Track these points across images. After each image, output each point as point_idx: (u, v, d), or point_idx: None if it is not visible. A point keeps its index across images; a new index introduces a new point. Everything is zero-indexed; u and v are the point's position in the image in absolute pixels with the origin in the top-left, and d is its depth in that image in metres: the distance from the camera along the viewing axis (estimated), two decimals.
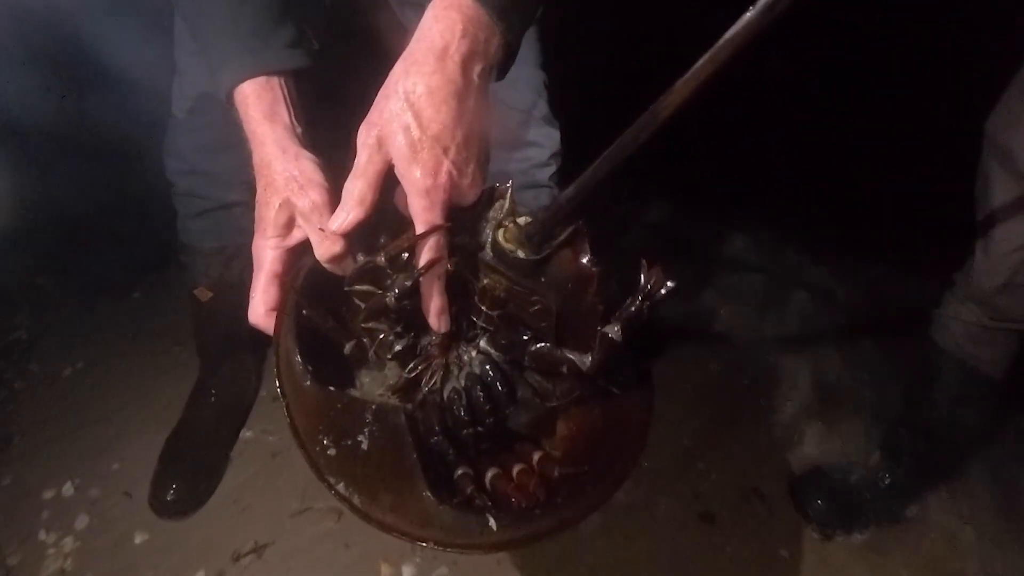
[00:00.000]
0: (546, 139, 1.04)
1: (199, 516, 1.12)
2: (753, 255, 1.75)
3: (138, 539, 1.08)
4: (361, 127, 0.50)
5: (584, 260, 0.49)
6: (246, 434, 1.24)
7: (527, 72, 0.97)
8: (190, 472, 1.14)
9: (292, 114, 0.60)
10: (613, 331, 0.47)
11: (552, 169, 1.07)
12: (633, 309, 0.46)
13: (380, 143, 0.48)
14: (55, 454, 1.20)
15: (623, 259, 0.54)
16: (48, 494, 1.14)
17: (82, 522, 1.10)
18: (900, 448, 1.12)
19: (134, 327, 1.46)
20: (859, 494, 1.11)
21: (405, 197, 0.50)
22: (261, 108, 0.58)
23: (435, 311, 0.51)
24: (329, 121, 0.64)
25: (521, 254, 0.50)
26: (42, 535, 1.08)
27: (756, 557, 1.08)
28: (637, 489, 1.16)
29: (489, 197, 0.52)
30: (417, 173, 0.47)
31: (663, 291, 0.46)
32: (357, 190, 0.50)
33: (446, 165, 0.48)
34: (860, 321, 1.53)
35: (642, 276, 0.46)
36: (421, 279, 0.49)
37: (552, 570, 1.04)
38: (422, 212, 0.48)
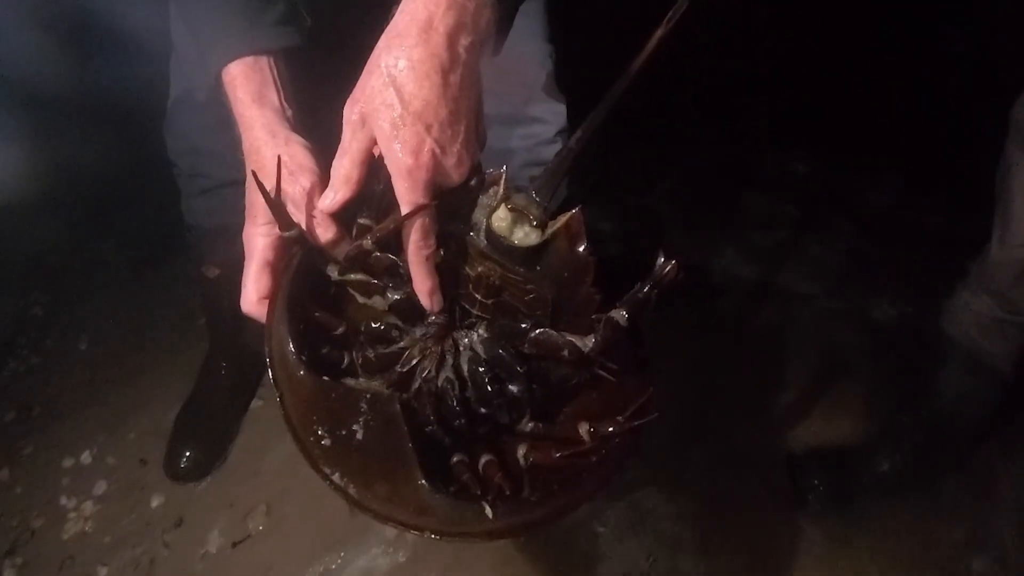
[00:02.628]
0: (552, 115, 0.96)
1: (212, 481, 1.11)
2: (759, 236, 1.66)
3: (154, 502, 1.07)
4: (346, 104, 0.46)
5: (580, 249, 0.45)
6: (257, 404, 1.22)
7: (533, 46, 0.89)
8: (202, 440, 1.13)
9: (282, 96, 0.55)
10: (619, 315, 0.43)
11: (558, 146, 1.00)
12: (641, 296, 0.43)
13: (363, 120, 0.44)
14: (73, 425, 1.18)
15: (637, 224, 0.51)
16: (67, 462, 1.12)
17: (100, 488, 1.09)
18: (900, 436, 1.07)
19: (147, 301, 1.43)
20: (856, 478, 1.07)
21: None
22: (249, 90, 0.53)
23: (426, 291, 0.47)
24: (322, 102, 0.59)
25: (515, 240, 0.46)
26: (63, 500, 1.07)
27: (750, 534, 1.05)
28: (633, 469, 1.12)
29: (481, 182, 0.48)
30: (399, 152, 0.43)
31: (673, 280, 0.43)
32: (343, 169, 0.46)
33: (428, 144, 0.43)
34: (870, 306, 1.45)
35: (658, 263, 0.43)
36: (410, 261, 0.46)
37: (543, 552, 1.03)
38: (404, 193, 0.44)
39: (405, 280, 0.48)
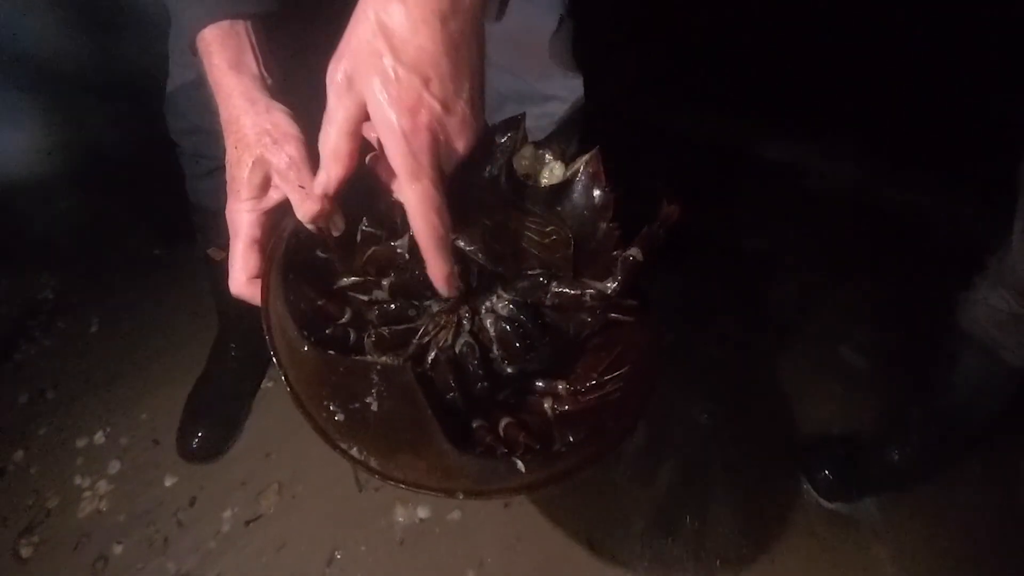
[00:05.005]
0: (568, 91, 0.89)
1: (225, 460, 1.08)
2: (768, 221, 1.59)
3: (168, 482, 1.05)
4: (329, 64, 0.38)
5: (600, 186, 0.46)
6: (267, 385, 1.19)
7: (550, 19, 0.82)
8: (214, 421, 1.10)
9: (261, 63, 0.49)
10: (635, 252, 0.45)
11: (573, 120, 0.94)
12: (651, 234, 0.46)
13: (349, 81, 0.37)
14: (86, 406, 1.15)
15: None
16: (81, 443, 1.10)
17: (114, 467, 1.07)
18: (911, 428, 1.02)
19: (157, 283, 1.39)
20: (865, 469, 1.03)
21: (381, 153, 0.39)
22: (226, 57, 0.47)
23: (443, 277, 0.41)
24: (303, 70, 0.53)
25: (543, 180, 0.46)
26: (77, 480, 1.05)
27: (756, 522, 1.02)
28: (646, 437, 1.09)
29: (504, 129, 0.45)
30: (391, 113, 0.36)
31: (676, 220, 0.47)
32: (330, 142, 0.39)
33: (427, 100, 0.36)
34: (883, 297, 1.39)
35: (663, 206, 0.47)
36: (423, 247, 0.39)
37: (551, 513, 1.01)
38: (402, 163, 0.36)
39: (409, 265, 0.45)
